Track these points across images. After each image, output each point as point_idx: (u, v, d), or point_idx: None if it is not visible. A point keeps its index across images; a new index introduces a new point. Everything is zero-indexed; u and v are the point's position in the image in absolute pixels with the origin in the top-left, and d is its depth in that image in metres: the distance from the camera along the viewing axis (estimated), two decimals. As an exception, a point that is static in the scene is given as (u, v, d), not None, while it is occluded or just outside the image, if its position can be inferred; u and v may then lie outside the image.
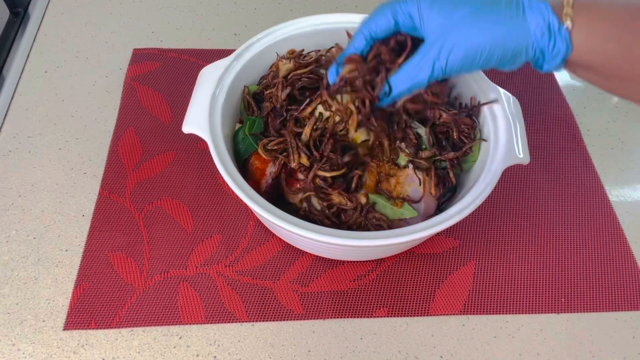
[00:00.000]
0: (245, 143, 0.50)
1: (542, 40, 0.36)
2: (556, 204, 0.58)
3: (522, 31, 0.36)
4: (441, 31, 0.37)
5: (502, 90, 0.51)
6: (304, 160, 0.47)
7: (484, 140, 0.49)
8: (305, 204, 0.47)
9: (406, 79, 0.40)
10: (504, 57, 0.37)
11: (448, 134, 0.50)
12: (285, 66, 0.52)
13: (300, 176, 0.48)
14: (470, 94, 0.53)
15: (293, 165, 0.47)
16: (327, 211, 0.47)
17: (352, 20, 0.56)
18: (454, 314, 0.50)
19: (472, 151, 0.50)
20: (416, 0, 0.38)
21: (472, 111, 0.52)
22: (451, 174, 0.49)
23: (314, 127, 0.48)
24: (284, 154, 0.48)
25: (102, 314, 0.48)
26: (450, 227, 0.43)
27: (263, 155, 0.48)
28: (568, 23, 0.35)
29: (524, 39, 0.37)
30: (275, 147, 0.48)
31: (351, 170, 0.48)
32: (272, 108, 0.51)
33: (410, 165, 0.48)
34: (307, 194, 0.47)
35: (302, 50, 0.55)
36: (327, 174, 0.46)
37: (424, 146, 0.50)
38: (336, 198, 0.47)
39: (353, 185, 0.48)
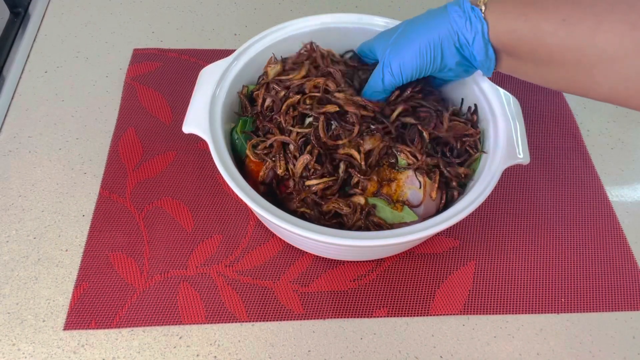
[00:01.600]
0: (239, 144, 0.50)
1: (459, 22, 0.42)
2: (556, 204, 0.58)
3: (443, 22, 0.43)
4: (383, 53, 0.47)
5: (502, 91, 0.51)
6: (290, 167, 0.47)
7: (485, 152, 0.49)
8: (300, 210, 0.47)
9: (369, 87, 0.49)
10: (438, 53, 0.44)
11: (451, 145, 0.50)
12: (273, 70, 0.52)
13: (291, 183, 0.48)
14: (471, 95, 0.53)
15: (279, 172, 0.47)
16: (323, 217, 0.47)
17: (353, 20, 0.56)
18: (454, 314, 0.50)
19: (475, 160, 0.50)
20: (373, 39, 0.51)
21: (473, 119, 0.51)
22: (456, 194, 0.49)
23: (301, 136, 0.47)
24: (273, 158, 0.47)
25: (102, 314, 0.48)
26: (450, 227, 0.43)
27: (251, 157, 0.48)
28: (481, 5, 0.41)
29: (446, 29, 0.43)
30: (264, 151, 0.48)
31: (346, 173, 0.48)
32: (259, 110, 0.51)
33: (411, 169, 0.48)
34: (301, 209, 0.46)
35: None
36: (315, 182, 0.46)
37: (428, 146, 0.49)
38: (332, 205, 0.46)
39: (353, 184, 0.48)
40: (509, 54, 0.43)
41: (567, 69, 0.38)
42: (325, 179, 0.46)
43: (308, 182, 0.46)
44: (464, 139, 0.49)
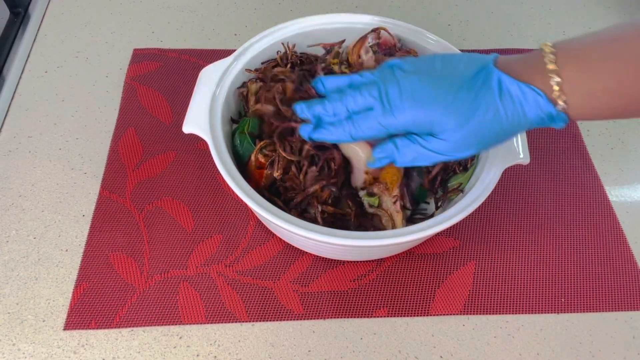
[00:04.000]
0: (242, 146, 0.49)
1: (540, 123, 0.37)
2: (556, 204, 0.58)
3: (522, 123, 0.37)
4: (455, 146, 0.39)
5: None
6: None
7: (461, 191, 0.49)
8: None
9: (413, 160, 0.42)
10: (506, 139, 0.40)
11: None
12: (253, 86, 0.52)
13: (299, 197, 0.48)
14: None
15: (275, 174, 0.47)
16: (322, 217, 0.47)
17: (353, 20, 0.56)
18: (454, 314, 0.50)
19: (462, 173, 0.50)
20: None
21: None
22: (426, 181, 0.50)
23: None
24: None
25: (102, 314, 0.48)
26: (450, 227, 0.43)
27: (260, 158, 0.48)
28: (561, 104, 0.35)
29: (525, 126, 0.38)
30: (270, 152, 0.48)
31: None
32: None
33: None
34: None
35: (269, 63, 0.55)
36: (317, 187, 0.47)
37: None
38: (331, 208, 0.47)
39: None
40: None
41: None
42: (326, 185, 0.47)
43: (311, 189, 0.46)
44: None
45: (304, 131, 0.43)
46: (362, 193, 0.48)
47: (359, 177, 0.48)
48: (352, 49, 0.54)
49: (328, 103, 0.42)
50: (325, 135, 0.42)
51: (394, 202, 0.47)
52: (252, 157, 0.48)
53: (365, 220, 0.48)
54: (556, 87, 0.35)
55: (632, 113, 0.36)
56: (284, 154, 0.47)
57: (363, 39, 0.54)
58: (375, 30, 0.54)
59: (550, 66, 0.35)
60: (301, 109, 0.43)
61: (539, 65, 0.36)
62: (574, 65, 0.35)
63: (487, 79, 0.37)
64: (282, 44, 0.55)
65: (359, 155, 0.46)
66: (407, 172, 0.49)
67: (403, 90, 0.38)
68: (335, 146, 0.47)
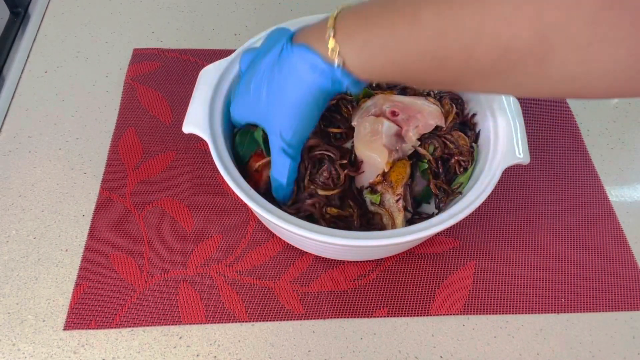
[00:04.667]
0: (243, 147, 0.49)
1: (332, 84, 0.36)
2: (556, 204, 0.58)
3: (313, 86, 0.36)
4: (263, 125, 0.43)
5: (502, 90, 0.51)
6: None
7: (460, 192, 0.49)
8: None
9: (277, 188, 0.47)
10: (315, 110, 0.39)
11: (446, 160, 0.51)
12: None
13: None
14: (471, 95, 0.53)
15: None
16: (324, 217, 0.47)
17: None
18: (454, 314, 0.50)
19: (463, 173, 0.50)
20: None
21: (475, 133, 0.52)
22: (432, 185, 0.50)
23: None
24: None
25: (102, 314, 0.48)
26: (450, 227, 0.43)
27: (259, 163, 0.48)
28: (337, 61, 0.34)
29: (320, 89, 0.37)
30: None
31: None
32: None
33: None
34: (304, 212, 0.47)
35: None
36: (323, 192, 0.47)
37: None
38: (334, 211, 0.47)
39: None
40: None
41: (449, 85, 0.35)
42: (330, 191, 0.47)
43: (322, 192, 0.47)
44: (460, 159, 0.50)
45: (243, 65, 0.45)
46: (365, 190, 0.48)
47: (369, 178, 0.48)
48: None
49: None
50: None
51: (397, 201, 0.47)
52: (253, 158, 0.48)
53: (366, 220, 0.48)
54: (331, 44, 0.34)
55: (414, 75, 0.34)
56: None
57: None
58: None
59: (330, 23, 0.34)
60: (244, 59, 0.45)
61: (322, 26, 0.35)
62: (350, 21, 0.34)
63: (277, 54, 0.38)
64: None
65: (377, 161, 0.47)
66: (412, 173, 0.49)
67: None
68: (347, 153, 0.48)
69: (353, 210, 0.47)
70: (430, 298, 0.50)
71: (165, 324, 0.48)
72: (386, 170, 0.47)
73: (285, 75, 0.37)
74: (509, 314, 0.50)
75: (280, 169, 0.44)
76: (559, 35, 0.26)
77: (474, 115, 0.53)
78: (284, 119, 0.40)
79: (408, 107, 0.49)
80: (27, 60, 0.67)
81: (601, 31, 0.25)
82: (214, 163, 0.45)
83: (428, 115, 0.49)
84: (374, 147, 0.47)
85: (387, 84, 0.53)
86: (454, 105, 0.51)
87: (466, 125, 0.53)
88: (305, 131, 0.42)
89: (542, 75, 0.29)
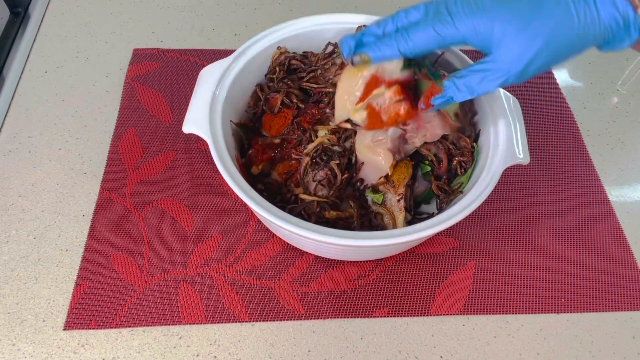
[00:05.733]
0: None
1: (615, 31, 0.34)
2: (556, 204, 0.58)
3: (594, 27, 0.34)
4: (482, 42, 0.36)
5: (502, 90, 0.51)
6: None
7: (460, 192, 0.49)
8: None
9: (470, 87, 0.39)
10: (574, 52, 0.36)
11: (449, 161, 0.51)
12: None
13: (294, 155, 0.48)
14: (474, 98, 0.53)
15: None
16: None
17: (352, 20, 0.56)
18: (454, 314, 0.50)
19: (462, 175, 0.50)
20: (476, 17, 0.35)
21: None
22: (434, 187, 0.50)
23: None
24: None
25: (102, 314, 0.48)
26: (450, 227, 0.43)
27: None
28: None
29: (596, 33, 0.34)
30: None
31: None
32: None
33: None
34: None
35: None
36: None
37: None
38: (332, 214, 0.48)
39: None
40: None
41: None
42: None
43: (308, 198, 0.47)
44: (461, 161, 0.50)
45: (346, 46, 0.39)
46: (367, 190, 0.48)
47: (371, 179, 0.48)
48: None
49: (375, 26, 0.39)
50: (370, 51, 0.38)
51: (398, 200, 0.47)
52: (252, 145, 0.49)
53: (368, 220, 0.48)
54: None
55: None
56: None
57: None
58: (359, 28, 0.55)
59: None
60: (346, 40, 0.40)
61: None
62: None
63: None
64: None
65: (381, 164, 0.47)
66: (414, 174, 0.49)
67: None
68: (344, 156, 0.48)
69: (354, 211, 0.47)
70: (430, 298, 0.50)
71: (165, 324, 0.48)
72: (390, 174, 0.47)
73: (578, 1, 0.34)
74: (509, 314, 0.50)
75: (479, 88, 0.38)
76: None
77: (474, 115, 0.53)
78: (530, 36, 0.34)
79: (419, 117, 0.49)
80: (27, 60, 0.67)
81: None
82: (214, 163, 0.45)
83: (437, 125, 0.48)
84: (378, 151, 0.47)
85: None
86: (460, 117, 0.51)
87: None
88: (541, 67, 0.36)
89: None
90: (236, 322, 0.48)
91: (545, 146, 0.63)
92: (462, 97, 0.39)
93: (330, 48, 0.54)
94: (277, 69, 0.54)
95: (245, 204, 0.45)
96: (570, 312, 0.51)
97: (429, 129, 0.48)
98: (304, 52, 0.56)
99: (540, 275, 0.53)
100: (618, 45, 0.35)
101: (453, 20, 0.36)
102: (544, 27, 0.34)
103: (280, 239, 0.53)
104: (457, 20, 0.35)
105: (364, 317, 0.49)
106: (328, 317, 0.49)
